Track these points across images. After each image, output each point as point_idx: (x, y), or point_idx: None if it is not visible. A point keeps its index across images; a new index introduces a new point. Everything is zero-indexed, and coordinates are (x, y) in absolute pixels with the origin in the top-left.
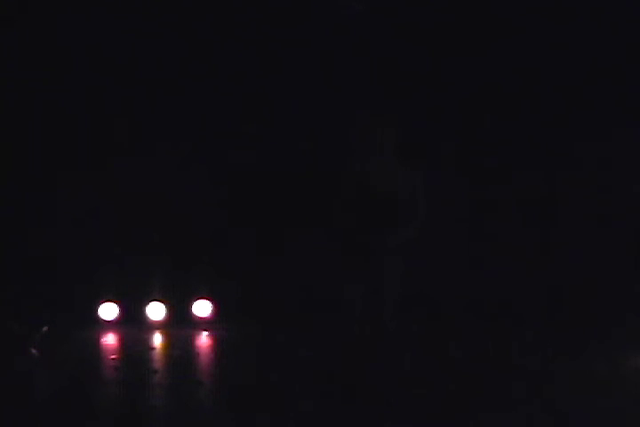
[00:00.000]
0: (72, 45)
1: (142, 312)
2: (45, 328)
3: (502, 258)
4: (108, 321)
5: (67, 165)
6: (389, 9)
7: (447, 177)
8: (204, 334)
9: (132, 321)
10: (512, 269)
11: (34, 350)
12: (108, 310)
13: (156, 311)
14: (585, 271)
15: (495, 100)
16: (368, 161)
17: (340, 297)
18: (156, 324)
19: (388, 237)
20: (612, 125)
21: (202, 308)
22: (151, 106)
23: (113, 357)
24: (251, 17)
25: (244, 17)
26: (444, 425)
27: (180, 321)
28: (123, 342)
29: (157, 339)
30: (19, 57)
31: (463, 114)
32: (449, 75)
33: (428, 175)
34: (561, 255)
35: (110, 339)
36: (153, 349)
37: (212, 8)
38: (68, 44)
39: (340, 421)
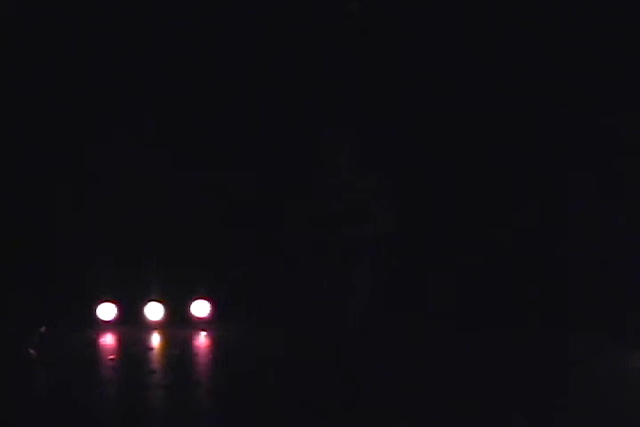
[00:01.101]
0: (72, 45)
1: (140, 312)
2: (44, 329)
3: (502, 258)
4: (107, 321)
5: (66, 165)
6: (389, 9)
7: (447, 177)
8: (203, 334)
9: (131, 321)
10: (513, 268)
11: (32, 351)
12: (107, 311)
13: (154, 311)
14: (586, 270)
15: (495, 100)
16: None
17: (340, 297)
18: (155, 324)
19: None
20: (612, 125)
21: (200, 308)
22: (149, 109)
23: (111, 357)
24: (251, 17)
25: (245, 17)
26: (444, 425)
27: (178, 321)
28: (121, 342)
29: (156, 339)
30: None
31: (463, 114)
32: (449, 74)
33: (427, 176)
34: (562, 255)
35: (109, 339)
36: (151, 349)
37: (212, 8)
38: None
39: (340, 421)
